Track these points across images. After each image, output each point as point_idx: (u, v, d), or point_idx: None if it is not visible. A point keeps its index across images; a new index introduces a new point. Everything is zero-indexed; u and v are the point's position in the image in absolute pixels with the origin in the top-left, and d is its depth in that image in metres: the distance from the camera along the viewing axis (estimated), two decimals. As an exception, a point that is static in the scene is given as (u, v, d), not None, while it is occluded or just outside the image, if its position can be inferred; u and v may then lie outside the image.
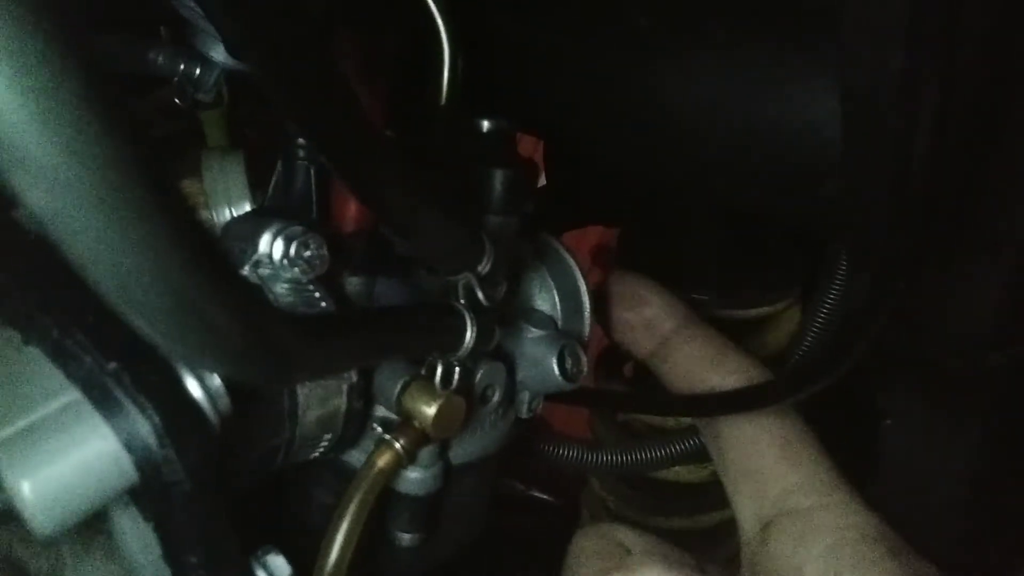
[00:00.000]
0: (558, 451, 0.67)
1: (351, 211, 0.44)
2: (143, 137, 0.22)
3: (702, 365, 0.54)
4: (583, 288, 0.51)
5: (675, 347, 0.55)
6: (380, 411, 0.44)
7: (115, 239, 0.21)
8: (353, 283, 0.43)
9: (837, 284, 0.52)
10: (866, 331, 0.42)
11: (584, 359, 0.48)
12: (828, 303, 0.54)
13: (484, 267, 0.41)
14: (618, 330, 0.58)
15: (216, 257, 0.25)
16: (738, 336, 0.66)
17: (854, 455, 0.47)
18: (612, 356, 0.74)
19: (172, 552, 0.36)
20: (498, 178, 0.45)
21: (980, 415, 0.55)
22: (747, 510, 0.48)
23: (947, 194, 0.39)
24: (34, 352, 0.34)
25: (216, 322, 0.25)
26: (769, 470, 0.47)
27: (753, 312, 0.65)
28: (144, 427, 0.33)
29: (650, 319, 0.56)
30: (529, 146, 0.64)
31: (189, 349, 0.25)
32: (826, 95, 0.41)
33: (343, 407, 0.42)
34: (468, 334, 0.40)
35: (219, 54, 0.44)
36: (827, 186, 0.42)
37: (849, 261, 0.46)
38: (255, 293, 0.38)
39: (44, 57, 0.19)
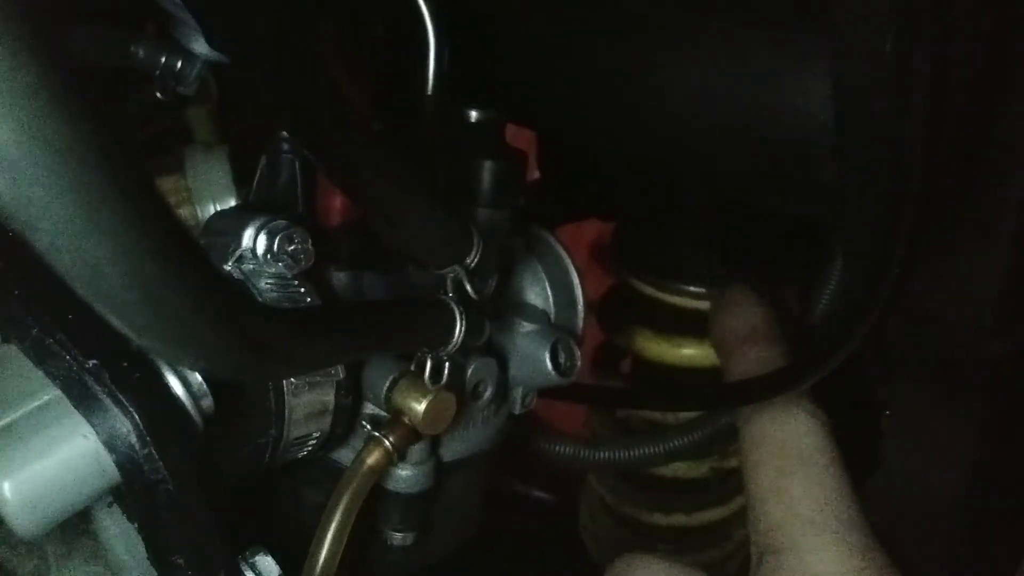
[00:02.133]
0: (556, 448, 0.66)
1: (337, 204, 0.43)
2: (110, 125, 0.21)
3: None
4: (576, 281, 0.50)
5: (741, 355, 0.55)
6: (369, 408, 0.43)
7: (80, 230, 0.21)
8: (340, 278, 0.42)
9: (835, 274, 0.52)
10: (861, 321, 0.41)
11: (577, 353, 0.48)
12: (827, 294, 0.53)
13: (473, 260, 0.40)
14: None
15: (189, 249, 0.24)
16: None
17: (854, 447, 0.46)
18: (609, 351, 0.74)
19: (158, 553, 0.35)
20: (487, 170, 0.44)
21: (980, 406, 0.54)
22: (751, 537, 0.48)
23: (943, 179, 0.39)
24: (13, 350, 0.34)
25: (189, 315, 0.24)
26: (762, 501, 0.47)
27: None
28: (125, 426, 0.32)
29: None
30: (524, 138, 0.64)
31: (162, 343, 0.25)
32: (821, 81, 0.40)
33: (331, 404, 0.41)
34: (457, 328, 0.39)
35: (201, 46, 0.43)
36: (825, 172, 0.42)
37: (844, 249, 0.45)
38: (233, 286, 0.37)
39: (1, 44, 0.18)
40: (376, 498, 0.45)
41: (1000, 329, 0.50)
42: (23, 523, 0.32)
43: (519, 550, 0.76)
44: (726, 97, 0.45)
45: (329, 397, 0.41)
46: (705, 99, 0.46)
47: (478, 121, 0.45)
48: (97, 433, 0.32)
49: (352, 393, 0.42)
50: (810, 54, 0.41)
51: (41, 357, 0.33)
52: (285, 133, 0.42)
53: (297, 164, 0.42)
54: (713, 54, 0.45)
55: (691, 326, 0.66)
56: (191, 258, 0.24)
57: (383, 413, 0.42)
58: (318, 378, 0.40)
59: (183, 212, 0.49)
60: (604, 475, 0.75)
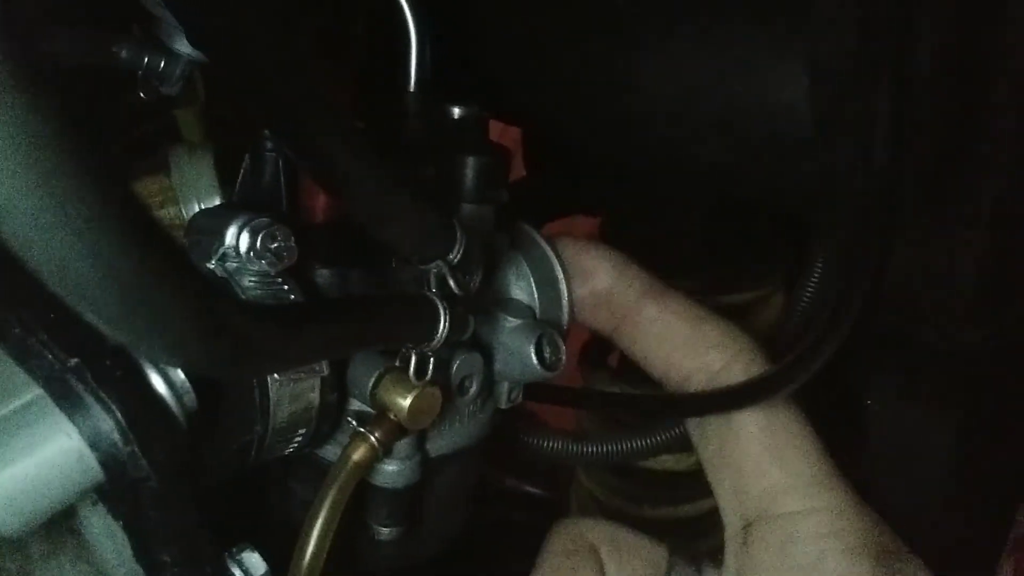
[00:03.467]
0: (544, 443, 0.66)
1: (321, 202, 0.43)
2: (80, 120, 0.21)
3: (672, 346, 0.46)
4: (561, 277, 0.50)
5: (638, 326, 0.47)
6: (355, 404, 0.43)
7: (49, 224, 0.21)
8: (323, 275, 0.42)
9: (818, 268, 0.52)
10: (840, 316, 0.41)
11: (563, 348, 0.48)
12: (809, 289, 0.54)
13: (456, 255, 0.40)
14: (576, 310, 0.48)
15: (164, 243, 0.24)
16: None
17: (836, 438, 0.47)
18: (596, 346, 0.74)
19: (143, 550, 0.35)
20: (470, 165, 0.44)
21: (959, 395, 0.55)
22: (729, 506, 0.45)
23: (919, 168, 0.39)
24: (-5, 350, 0.34)
25: (164, 310, 0.24)
26: (752, 464, 0.43)
27: (736, 298, 0.64)
28: (107, 423, 0.32)
29: (602, 294, 0.47)
30: (511, 136, 0.64)
31: (139, 339, 0.25)
32: (799, 74, 0.41)
33: (316, 401, 0.41)
34: (441, 324, 0.39)
35: (184, 46, 0.43)
36: (805, 166, 0.42)
37: (820, 240, 0.46)
38: (214, 283, 0.37)
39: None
40: (363, 494, 0.45)
41: (979, 318, 0.51)
42: (6, 522, 0.32)
43: (509, 544, 0.76)
44: (707, 92, 0.46)
45: (314, 394, 0.41)
46: (686, 94, 0.47)
47: (461, 117, 0.45)
48: (80, 431, 0.32)
49: (337, 390, 0.42)
50: (789, 47, 0.42)
51: (23, 356, 0.33)
52: (268, 131, 0.42)
53: (280, 162, 0.42)
54: (693, 49, 0.46)
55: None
56: (165, 253, 0.24)
57: (369, 409, 0.42)
58: (303, 375, 0.40)
59: (168, 212, 0.49)
60: (592, 469, 0.75)
